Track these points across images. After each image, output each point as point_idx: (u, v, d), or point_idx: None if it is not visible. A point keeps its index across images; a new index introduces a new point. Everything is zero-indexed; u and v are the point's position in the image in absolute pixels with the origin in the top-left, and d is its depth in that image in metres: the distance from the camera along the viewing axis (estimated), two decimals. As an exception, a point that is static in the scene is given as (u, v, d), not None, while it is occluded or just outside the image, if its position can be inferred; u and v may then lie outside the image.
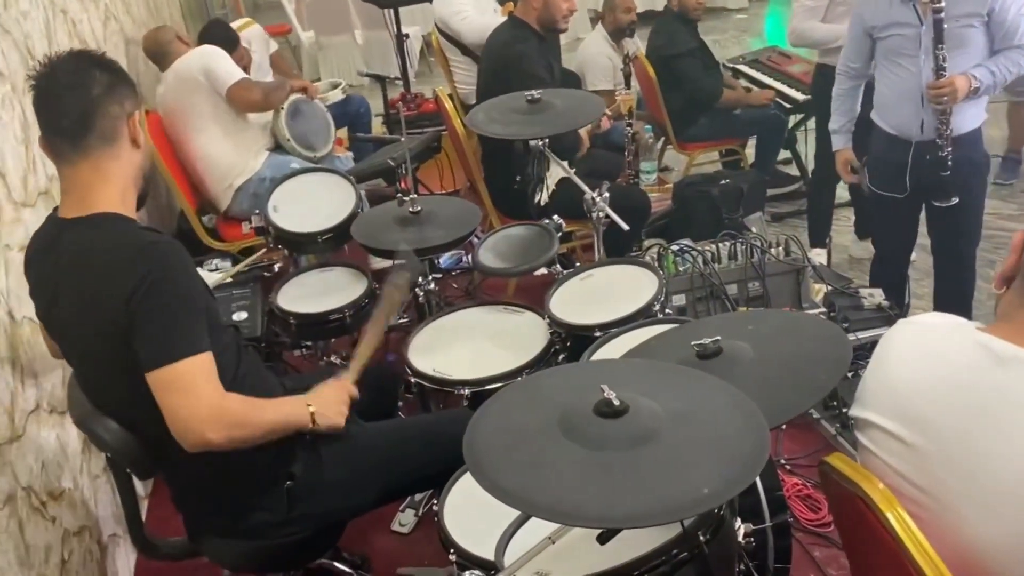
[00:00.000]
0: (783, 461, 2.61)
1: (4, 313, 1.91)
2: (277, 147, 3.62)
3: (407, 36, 5.04)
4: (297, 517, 1.79)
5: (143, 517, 2.02)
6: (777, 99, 4.42)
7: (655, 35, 4.44)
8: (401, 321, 3.40)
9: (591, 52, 4.56)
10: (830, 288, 3.09)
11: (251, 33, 4.44)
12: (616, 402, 1.21)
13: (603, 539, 1.22)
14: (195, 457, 1.61)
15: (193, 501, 1.84)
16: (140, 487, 2.51)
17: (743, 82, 4.66)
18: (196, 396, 1.54)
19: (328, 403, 1.80)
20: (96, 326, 1.58)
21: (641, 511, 1.08)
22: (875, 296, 2.97)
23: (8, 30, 2.27)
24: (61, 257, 1.63)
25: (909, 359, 1.35)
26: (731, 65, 4.79)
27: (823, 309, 3.00)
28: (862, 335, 2.84)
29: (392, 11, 4.84)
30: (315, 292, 2.71)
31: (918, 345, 1.35)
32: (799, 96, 4.33)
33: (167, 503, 2.55)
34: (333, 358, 2.84)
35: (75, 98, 1.60)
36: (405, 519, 2.53)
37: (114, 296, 1.54)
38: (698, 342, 1.54)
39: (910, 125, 2.77)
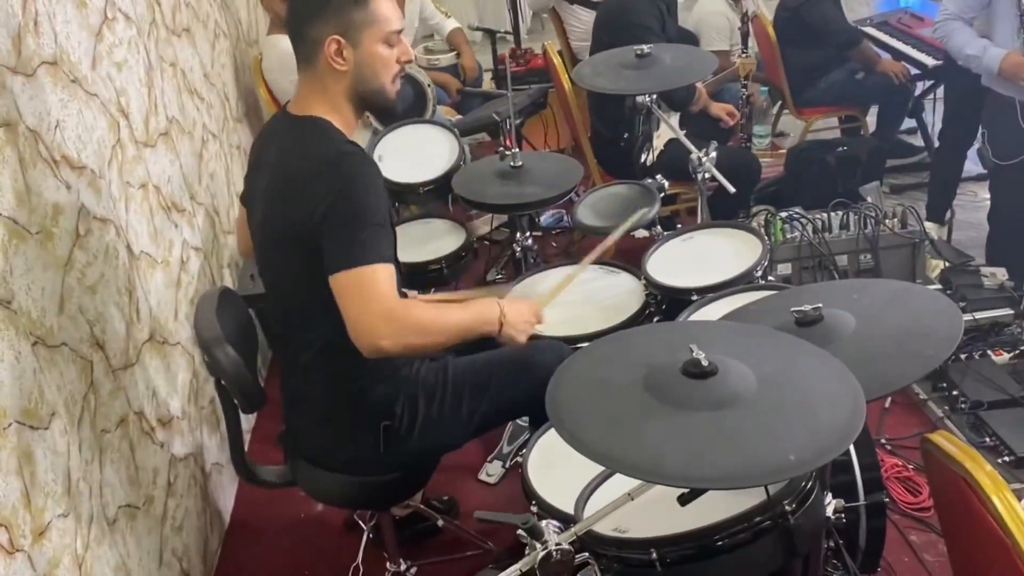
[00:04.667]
0: (884, 441, 2.51)
1: (123, 247, 2.02)
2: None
3: (520, -10, 4.99)
4: (390, 455, 1.82)
5: (245, 447, 2.11)
6: (905, 64, 4.18)
7: None
8: (497, 278, 3.43)
9: (707, 10, 4.41)
10: (948, 265, 2.93)
11: None
12: (705, 363, 1.18)
13: (684, 500, 1.20)
14: (313, 382, 1.78)
15: (299, 425, 1.90)
16: (243, 421, 2.62)
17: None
18: (372, 301, 1.59)
19: (519, 314, 1.81)
20: (284, 221, 1.69)
21: (722, 473, 1.06)
22: (997, 275, 2.80)
23: (136, -25, 2.36)
24: (275, 146, 1.78)
25: None
26: (858, 27, 4.54)
27: (938, 286, 2.85)
28: (980, 316, 2.70)
29: (506, -35, 4.79)
30: (415, 242, 2.75)
31: None
32: (929, 61, 4.07)
33: (267, 437, 2.68)
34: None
35: (293, 17, 1.74)
36: (492, 470, 2.57)
37: (305, 200, 1.64)
38: (798, 308, 1.48)
39: None
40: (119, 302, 1.96)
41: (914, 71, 4.12)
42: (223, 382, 1.80)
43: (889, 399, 2.63)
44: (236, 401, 1.83)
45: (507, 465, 2.57)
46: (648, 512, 1.34)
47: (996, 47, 2.80)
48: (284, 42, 3.24)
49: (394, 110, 1.84)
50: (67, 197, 1.76)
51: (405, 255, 2.66)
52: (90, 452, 1.72)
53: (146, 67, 2.34)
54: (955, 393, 2.52)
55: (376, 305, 1.59)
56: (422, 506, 2.29)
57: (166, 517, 2.09)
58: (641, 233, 3.03)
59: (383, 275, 1.62)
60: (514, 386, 1.88)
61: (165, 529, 2.07)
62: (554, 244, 3.78)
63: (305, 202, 1.64)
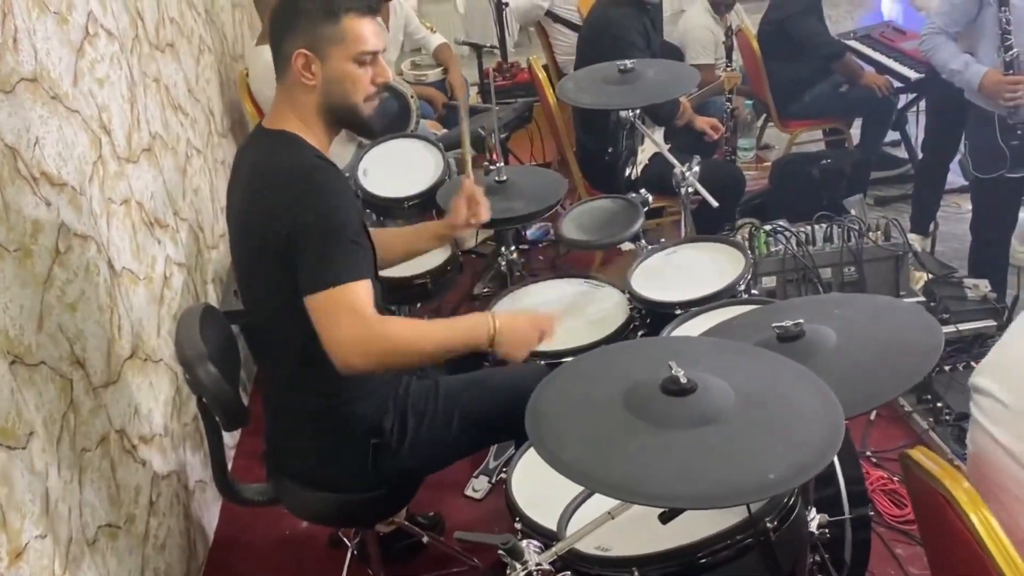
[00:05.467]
0: (869, 453, 2.51)
1: (104, 264, 2.00)
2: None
3: (506, 5, 4.99)
4: (378, 473, 1.81)
5: (228, 465, 2.10)
6: (888, 77, 4.20)
7: (771, 6, 4.28)
8: (484, 291, 3.42)
9: (692, 24, 4.43)
10: (931, 276, 2.95)
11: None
12: (683, 380, 1.18)
13: (665, 518, 1.20)
14: (296, 398, 1.79)
15: (282, 442, 1.89)
16: (227, 438, 2.61)
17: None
18: (344, 322, 1.58)
19: (517, 330, 1.75)
20: (257, 235, 1.68)
21: (701, 492, 1.06)
22: (980, 287, 2.82)
23: (119, -9, 2.36)
24: (249, 160, 1.78)
25: None
26: (842, 40, 4.57)
27: (922, 298, 2.87)
28: (964, 327, 2.71)
29: (492, -21, 4.81)
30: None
31: None
32: (912, 74, 4.10)
33: (252, 454, 2.66)
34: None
35: (271, 30, 1.75)
36: (479, 485, 2.56)
37: (275, 214, 1.62)
38: (779, 324, 1.48)
39: None
40: (100, 319, 1.95)
41: (897, 84, 4.15)
42: (204, 400, 1.79)
43: (874, 412, 2.63)
44: (218, 419, 1.82)
45: (493, 480, 2.56)
46: (631, 529, 1.34)
47: (978, 63, 2.84)
48: (269, 53, 3.25)
49: (369, 128, 1.81)
50: (46, 214, 1.74)
51: (390, 270, 2.67)
52: (69, 472, 1.70)
53: (129, 83, 2.33)
54: (939, 405, 2.53)
55: (348, 325, 1.58)
56: (407, 523, 2.28)
57: (148, 536, 2.07)
58: (626, 247, 3.04)
59: (356, 294, 1.60)
60: (502, 409, 1.86)
61: (147, 548, 2.05)
62: (540, 258, 3.78)
63: (275, 216, 1.62)
